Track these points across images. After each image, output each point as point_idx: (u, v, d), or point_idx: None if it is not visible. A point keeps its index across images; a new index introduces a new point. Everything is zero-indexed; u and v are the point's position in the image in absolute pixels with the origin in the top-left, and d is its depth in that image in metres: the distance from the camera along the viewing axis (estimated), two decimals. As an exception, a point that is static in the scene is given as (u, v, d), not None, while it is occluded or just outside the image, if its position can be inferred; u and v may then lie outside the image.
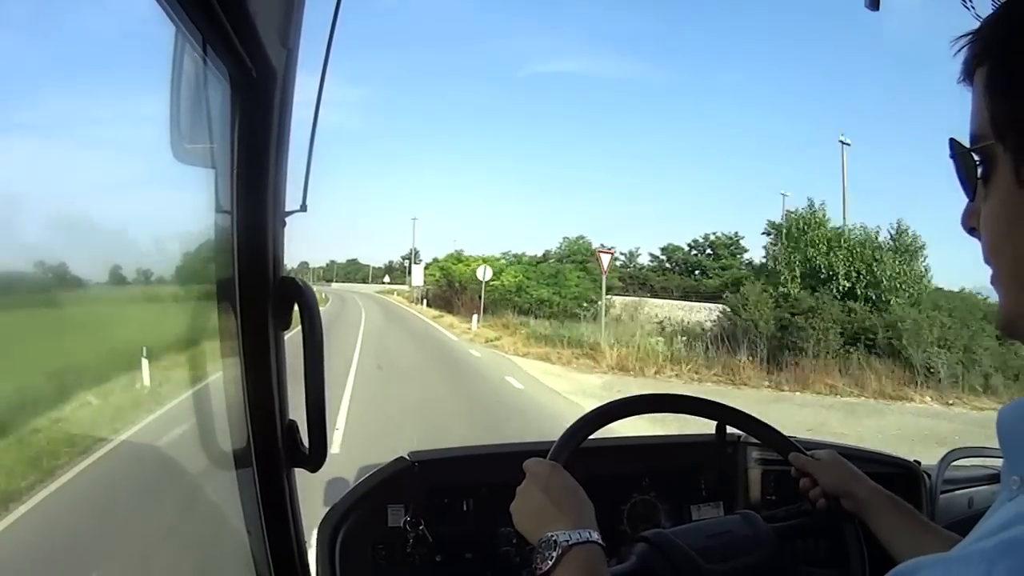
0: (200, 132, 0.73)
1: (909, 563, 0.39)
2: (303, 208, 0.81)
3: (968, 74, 0.44)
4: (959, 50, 0.45)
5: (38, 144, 0.58)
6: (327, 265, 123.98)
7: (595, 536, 0.65)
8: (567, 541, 0.63)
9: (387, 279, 63.02)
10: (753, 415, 0.96)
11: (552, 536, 0.64)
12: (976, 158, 0.44)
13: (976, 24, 0.45)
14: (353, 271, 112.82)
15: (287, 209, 0.80)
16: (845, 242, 14.62)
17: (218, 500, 0.90)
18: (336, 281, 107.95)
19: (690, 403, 0.97)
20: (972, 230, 0.46)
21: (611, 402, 0.92)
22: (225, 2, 0.58)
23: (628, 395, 0.93)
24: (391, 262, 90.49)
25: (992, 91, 0.42)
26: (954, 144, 0.45)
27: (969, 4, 0.75)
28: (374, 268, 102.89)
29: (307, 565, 0.92)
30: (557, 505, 0.69)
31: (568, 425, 0.86)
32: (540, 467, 0.75)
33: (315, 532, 0.97)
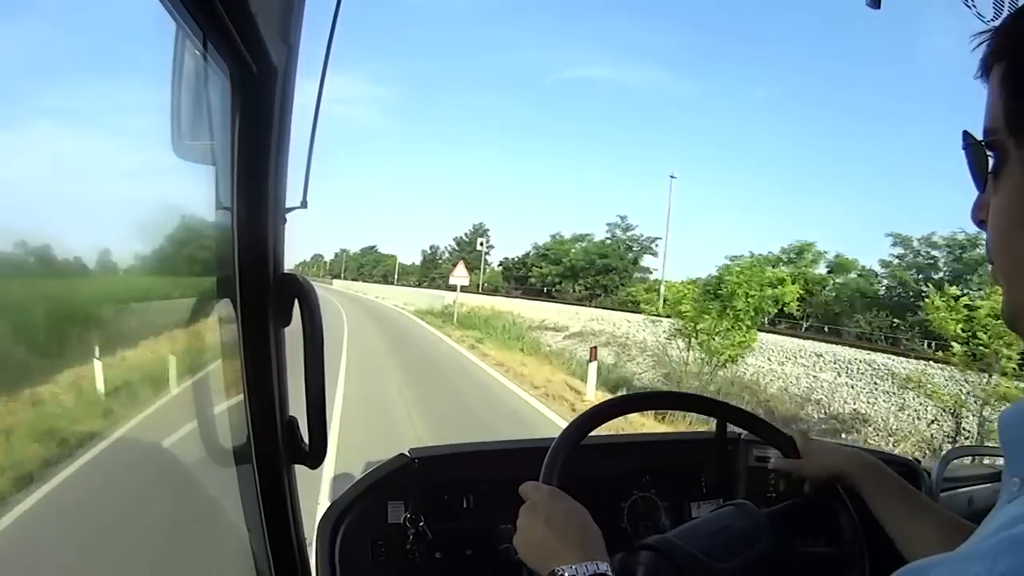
0: (201, 128, 0.73)
1: (915, 564, 0.39)
2: (303, 205, 0.81)
3: (985, 70, 0.45)
4: (978, 45, 0.45)
5: (38, 140, 0.58)
6: (335, 255, 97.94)
7: (603, 568, 0.64)
8: None
9: (460, 279, 20.67)
10: (754, 413, 0.96)
11: (560, 572, 0.64)
12: (988, 152, 0.44)
13: (978, 23, 0.46)
14: (369, 264, 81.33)
15: (288, 206, 0.80)
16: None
17: (218, 497, 0.91)
18: (346, 277, 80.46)
19: (691, 401, 0.97)
20: (981, 223, 0.46)
21: (609, 400, 0.92)
22: (226, -2, 0.58)
23: (627, 393, 0.93)
24: (434, 250, 65.30)
25: (1008, 87, 0.43)
26: (967, 136, 0.45)
27: (970, 3, 0.75)
28: (403, 264, 73.61)
29: (307, 561, 0.92)
30: (561, 538, 0.67)
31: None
32: (538, 495, 0.73)
33: (315, 528, 0.98)
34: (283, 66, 0.71)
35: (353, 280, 78.17)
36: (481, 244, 55.68)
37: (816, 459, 0.88)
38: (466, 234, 62.84)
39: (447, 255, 63.74)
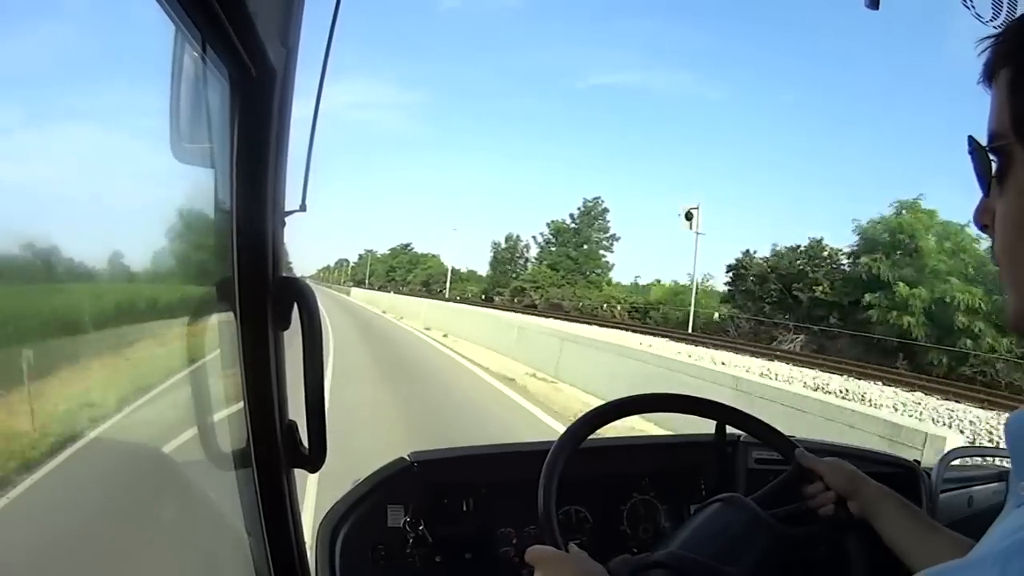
0: (200, 131, 0.73)
1: (923, 573, 0.39)
2: (303, 208, 0.81)
3: (989, 75, 0.45)
4: (983, 51, 0.45)
5: (36, 143, 0.58)
6: (360, 257, 79.07)
7: None
8: None
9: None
10: (752, 415, 0.96)
11: None
12: (992, 156, 0.45)
13: (978, 24, 0.46)
14: (402, 267, 60.77)
15: (287, 209, 0.80)
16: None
17: (217, 500, 0.90)
18: (371, 284, 61.97)
19: (689, 403, 0.97)
20: (984, 227, 0.46)
21: (608, 403, 0.92)
22: (225, 2, 0.58)
23: (626, 396, 0.93)
24: (513, 243, 41.96)
25: (1015, 91, 0.43)
26: (972, 141, 0.46)
27: (969, 4, 0.75)
28: (456, 270, 48.50)
29: (307, 565, 0.92)
30: None
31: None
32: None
33: (315, 532, 0.97)
34: (282, 69, 0.71)
35: (379, 289, 52.59)
36: (687, 219, 24.11)
37: (841, 473, 0.87)
38: (574, 215, 37.58)
39: (536, 250, 40.07)
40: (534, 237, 40.72)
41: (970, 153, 0.46)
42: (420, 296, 37.74)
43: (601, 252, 37.71)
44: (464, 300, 36.02)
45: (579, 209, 38.02)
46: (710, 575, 0.73)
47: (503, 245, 42.82)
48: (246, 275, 0.75)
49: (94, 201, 0.67)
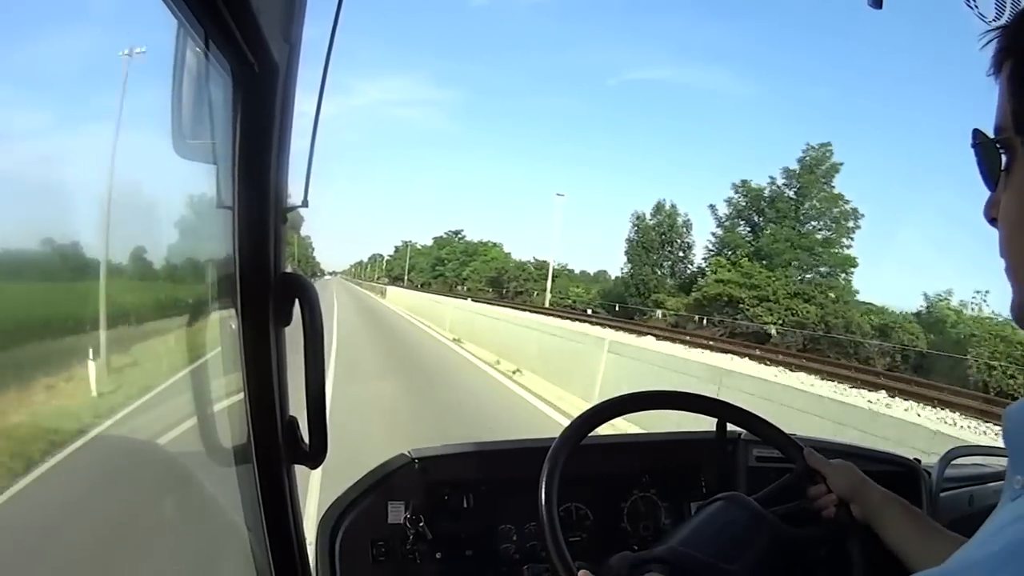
0: (202, 127, 0.73)
1: None
2: (304, 204, 0.81)
3: (996, 67, 0.45)
4: (987, 43, 0.45)
5: (37, 139, 0.58)
6: (396, 250, 68.69)
7: None
8: None
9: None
10: (754, 413, 0.96)
11: None
12: (1000, 149, 0.44)
13: (980, 24, 0.46)
14: (455, 258, 47.31)
15: (288, 204, 0.80)
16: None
17: (218, 496, 0.90)
18: (411, 281, 50.51)
19: (690, 401, 0.97)
20: (993, 220, 0.46)
21: (608, 400, 0.92)
22: (227, -4, 0.58)
23: (626, 393, 0.93)
24: (668, 211, 26.32)
25: (1014, 86, 0.43)
26: (977, 134, 0.45)
27: (972, 3, 0.75)
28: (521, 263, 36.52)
29: (307, 561, 0.92)
30: None
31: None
32: None
33: (315, 528, 0.97)
34: (285, 64, 0.71)
35: (421, 287, 39.54)
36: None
37: (846, 476, 0.87)
38: (791, 172, 21.90)
39: (712, 229, 24.65)
40: (712, 207, 24.31)
41: (973, 147, 0.45)
42: (489, 300, 24.10)
43: (841, 239, 21.70)
44: (592, 311, 22.57)
45: (798, 162, 21.17)
46: (709, 572, 0.74)
47: (649, 219, 25.66)
48: (247, 271, 0.75)
49: (95, 197, 0.67)
